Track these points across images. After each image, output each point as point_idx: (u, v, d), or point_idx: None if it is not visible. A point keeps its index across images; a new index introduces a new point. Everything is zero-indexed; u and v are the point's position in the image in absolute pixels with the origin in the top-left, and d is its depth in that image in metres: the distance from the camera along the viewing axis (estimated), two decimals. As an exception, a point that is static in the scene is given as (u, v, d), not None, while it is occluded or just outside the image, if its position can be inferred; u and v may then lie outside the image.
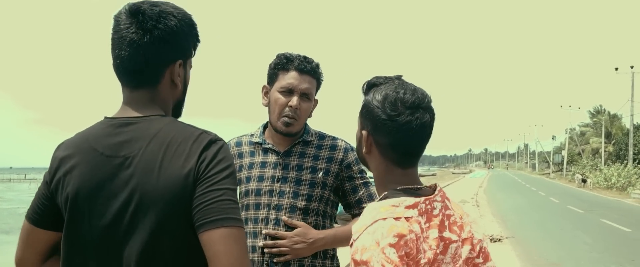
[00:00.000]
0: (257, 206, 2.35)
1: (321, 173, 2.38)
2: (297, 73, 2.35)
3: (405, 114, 1.62)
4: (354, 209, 2.42)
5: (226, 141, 2.46)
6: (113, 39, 1.55)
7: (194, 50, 1.64)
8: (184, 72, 1.60)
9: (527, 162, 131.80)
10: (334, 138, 2.47)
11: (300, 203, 2.34)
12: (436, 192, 1.66)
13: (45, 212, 1.58)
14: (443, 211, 1.64)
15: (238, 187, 2.34)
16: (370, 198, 2.38)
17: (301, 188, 2.36)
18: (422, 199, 1.61)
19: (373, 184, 1.83)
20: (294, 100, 2.33)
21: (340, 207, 2.50)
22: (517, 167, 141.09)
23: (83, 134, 1.58)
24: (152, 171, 1.46)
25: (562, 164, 75.13)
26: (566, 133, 76.69)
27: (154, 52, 1.52)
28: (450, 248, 1.62)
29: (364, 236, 1.52)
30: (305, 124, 2.45)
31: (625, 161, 43.25)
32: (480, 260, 1.70)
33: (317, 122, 2.56)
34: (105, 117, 1.58)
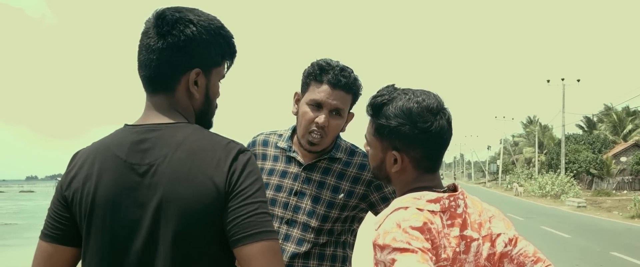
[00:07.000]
0: None
1: (342, 195, 2.24)
2: (329, 87, 2.15)
3: (435, 120, 1.62)
4: None
5: (255, 134, 2.41)
6: (139, 42, 1.51)
7: (224, 60, 1.56)
8: (206, 82, 1.52)
9: (463, 172, 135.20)
10: (365, 155, 2.24)
11: (314, 223, 2.21)
12: (459, 191, 1.67)
13: (67, 225, 1.47)
14: (465, 209, 1.64)
15: None
16: None
17: (318, 207, 2.22)
18: (446, 195, 1.61)
19: None
20: (322, 117, 2.15)
21: None
22: (454, 176, 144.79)
23: (103, 141, 1.49)
24: (179, 179, 1.39)
25: (498, 174, 77.43)
26: (501, 143, 79.13)
27: (167, 58, 1.46)
28: (472, 246, 1.63)
29: (385, 222, 1.51)
30: (337, 137, 2.30)
31: (558, 170, 44.92)
32: (510, 248, 1.71)
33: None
34: (126, 125, 1.50)
